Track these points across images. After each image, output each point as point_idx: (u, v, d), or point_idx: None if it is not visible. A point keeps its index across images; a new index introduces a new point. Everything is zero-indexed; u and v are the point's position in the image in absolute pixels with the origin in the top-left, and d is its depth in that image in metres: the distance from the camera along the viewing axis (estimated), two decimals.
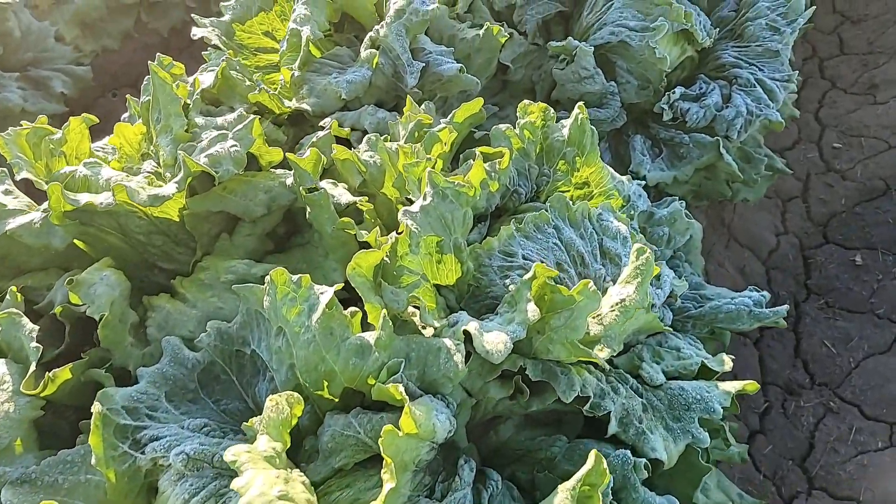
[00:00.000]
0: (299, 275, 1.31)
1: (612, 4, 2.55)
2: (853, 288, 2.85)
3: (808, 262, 3.03)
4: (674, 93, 2.41)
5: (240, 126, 1.65)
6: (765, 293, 1.92)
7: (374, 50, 2.15)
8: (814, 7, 2.59)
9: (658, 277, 1.80)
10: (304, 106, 2.10)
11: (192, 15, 2.54)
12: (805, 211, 3.27)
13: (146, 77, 2.03)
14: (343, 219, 1.51)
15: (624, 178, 1.99)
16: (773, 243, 3.11)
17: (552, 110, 1.89)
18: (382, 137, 1.90)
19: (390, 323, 1.25)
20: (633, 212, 1.94)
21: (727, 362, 1.55)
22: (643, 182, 2.04)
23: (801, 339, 2.74)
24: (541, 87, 2.67)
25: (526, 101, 1.86)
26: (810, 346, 2.70)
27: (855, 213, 3.17)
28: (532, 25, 2.67)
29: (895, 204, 3.10)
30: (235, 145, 1.63)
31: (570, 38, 2.44)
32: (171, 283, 1.68)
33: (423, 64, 2.15)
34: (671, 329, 1.76)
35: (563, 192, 1.93)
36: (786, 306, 1.84)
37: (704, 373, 1.57)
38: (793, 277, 2.98)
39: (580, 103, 1.84)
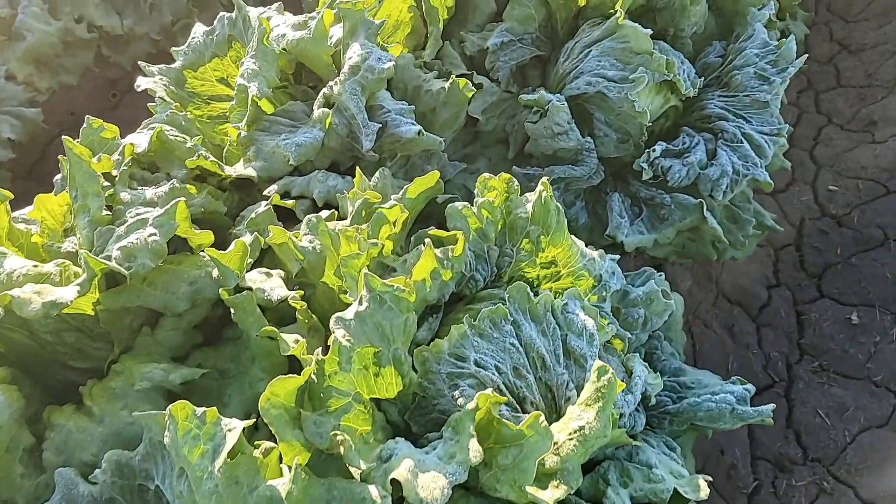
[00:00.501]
0: (203, 409, 1.14)
1: (590, 52, 2.38)
2: (849, 350, 2.67)
3: (802, 319, 2.85)
4: (654, 150, 2.24)
5: (160, 212, 1.48)
6: (749, 386, 1.74)
7: (326, 109, 1.98)
8: (805, 55, 2.42)
9: (630, 374, 1.63)
10: (249, 171, 1.93)
11: (140, 63, 2.37)
12: (798, 261, 3.10)
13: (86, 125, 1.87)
14: (267, 328, 1.33)
15: (595, 253, 1.82)
16: (765, 298, 2.93)
17: (516, 182, 1.72)
18: (328, 214, 1.73)
19: (302, 475, 1.07)
20: (604, 293, 1.77)
21: (703, 489, 1.37)
22: (617, 257, 1.87)
23: (793, 406, 2.56)
24: (514, 137, 2.49)
25: (486, 175, 1.69)
26: (803, 416, 2.52)
27: (851, 264, 2.99)
28: (505, 73, 2.49)
29: (893, 256, 2.93)
30: (155, 234, 1.45)
31: (542, 91, 2.27)
32: (86, 384, 1.51)
33: (380, 125, 1.97)
34: (643, 436, 1.59)
35: (527, 273, 1.76)
36: (772, 405, 1.67)
37: (678, 498, 1.40)
38: (785, 336, 2.80)
39: (543, 179, 1.66)
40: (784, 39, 2.41)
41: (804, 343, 2.76)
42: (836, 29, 4.50)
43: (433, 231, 1.63)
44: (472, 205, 1.67)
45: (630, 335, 1.78)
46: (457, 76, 2.43)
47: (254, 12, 2.34)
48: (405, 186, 1.68)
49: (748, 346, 2.74)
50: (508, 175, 1.72)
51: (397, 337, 1.33)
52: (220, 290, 1.37)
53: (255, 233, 1.64)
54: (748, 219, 2.37)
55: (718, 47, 2.57)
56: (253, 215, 1.74)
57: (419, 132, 1.92)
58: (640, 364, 1.64)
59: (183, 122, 2.15)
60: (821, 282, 2.98)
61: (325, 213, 1.76)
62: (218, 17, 2.41)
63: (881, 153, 3.45)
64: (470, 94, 2.18)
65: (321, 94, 2.03)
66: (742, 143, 2.29)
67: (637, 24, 2.23)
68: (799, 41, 3.63)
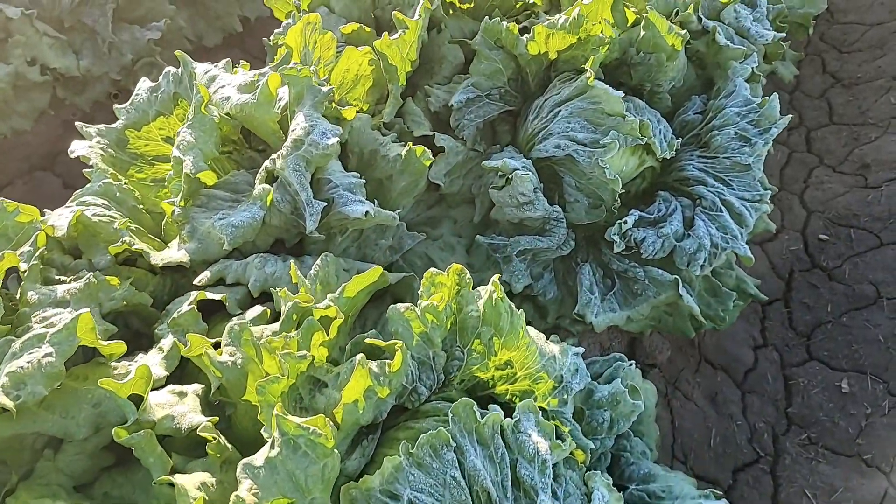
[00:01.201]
0: None
1: (559, 112, 2.22)
2: (839, 423, 2.51)
3: (790, 385, 2.69)
4: (625, 222, 2.07)
5: (59, 327, 1.32)
6: (724, 502, 1.58)
7: (268, 185, 1.82)
8: (790, 116, 2.26)
9: (589, 498, 1.47)
10: (181, 256, 1.77)
11: (77, 123, 2.22)
12: (787, 318, 2.94)
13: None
14: (163, 477, 1.17)
15: (556, 349, 1.65)
16: (751, 361, 2.77)
17: (468, 274, 1.56)
18: (257, 315, 1.57)
19: None
20: (566, 395, 1.61)
21: None
22: (581, 350, 1.71)
23: (779, 486, 2.40)
24: (481, 200, 2.34)
25: (432, 271, 1.53)
26: (790, 498, 2.36)
27: (842, 324, 2.83)
28: (471, 131, 2.34)
29: (886, 317, 2.77)
30: (50, 355, 1.29)
31: (506, 159, 2.11)
32: None
33: (326, 202, 1.82)
34: None
35: (479, 375, 1.60)
36: None
37: None
38: (772, 403, 2.64)
39: (495, 277, 1.50)
40: (767, 98, 2.26)
41: (792, 412, 2.60)
42: (830, 60, 4.36)
43: (370, 340, 1.47)
44: (417, 305, 1.51)
45: (594, 442, 1.63)
46: (419, 137, 2.28)
47: (201, 68, 2.19)
48: (342, 285, 1.52)
49: (732, 416, 2.58)
50: (459, 267, 1.56)
51: (313, 487, 1.17)
52: (115, 429, 1.21)
53: (175, 338, 1.48)
54: (728, 292, 2.21)
55: (698, 102, 2.42)
56: (176, 314, 1.58)
57: (367, 213, 1.76)
58: (602, 486, 1.48)
59: (118, 193, 1.99)
60: (810, 342, 2.82)
61: (255, 311, 1.60)
62: (163, 72, 2.26)
63: (874, 199, 3.29)
64: (428, 163, 2.02)
65: (263, 167, 1.87)
66: (721, 212, 2.13)
67: (608, 87, 2.08)
68: (788, 82, 3.50)
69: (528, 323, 1.62)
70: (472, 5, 2.79)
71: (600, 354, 2.17)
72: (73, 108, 3.32)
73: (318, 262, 1.69)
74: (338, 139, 1.77)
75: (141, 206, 2.02)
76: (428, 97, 2.42)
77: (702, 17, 2.42)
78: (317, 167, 1.85)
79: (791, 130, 3.90)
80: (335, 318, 1.48)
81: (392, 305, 1.50)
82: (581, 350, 1.73)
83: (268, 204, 1.82)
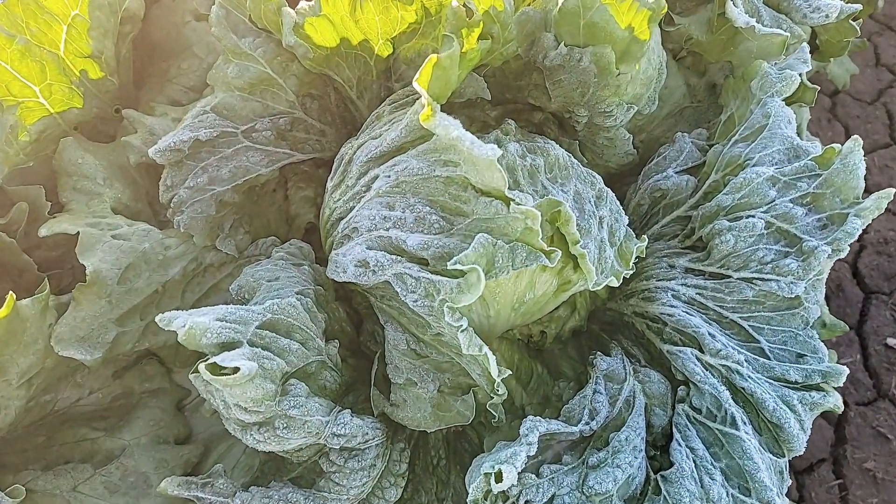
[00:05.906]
0: None
1: (376, 179, 0.98)
2: None
3: None
4: (498, 471, 0.83)
5: None
6: None
7: None
8: (891, 190, 1.01)
9: None
10: None
11: None
12: (838, 498, 1.71)
13: None
14: None
15: None
16: None
17: None
18: None
19: None
20: None
21: None
22: None
23: None
24: None
25: None
26: None
27: None
28: (202, 210, 1.10)
29: None
30: None
31: (197, 318, 0.86)
32: None
33: None
34: None
35: None
36: None
37: None
38: None
39: None
40: (835, 146, 1.01)
41: None
42: (885, 47, 3.09)
43: None
44: None
45: None
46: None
47: None
48: None
49: None
50: None
51: None
52: None
53: None
54: None
55: (689, 147, 1.16)
56: None
57: None
58: None
59: None
60: None
61: None
62: None
63: None
64: None
65: None
66: (736, 427, 0.89)
67: (465, 132, 0.81)
68: (842, 83, 2.23)
69: None
70: None
71: None
72: None
73: None
74: None
75: None
76: (133, 133, 1.17)
77: None
78: None
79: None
80: None
81: None
82: None
83: None
